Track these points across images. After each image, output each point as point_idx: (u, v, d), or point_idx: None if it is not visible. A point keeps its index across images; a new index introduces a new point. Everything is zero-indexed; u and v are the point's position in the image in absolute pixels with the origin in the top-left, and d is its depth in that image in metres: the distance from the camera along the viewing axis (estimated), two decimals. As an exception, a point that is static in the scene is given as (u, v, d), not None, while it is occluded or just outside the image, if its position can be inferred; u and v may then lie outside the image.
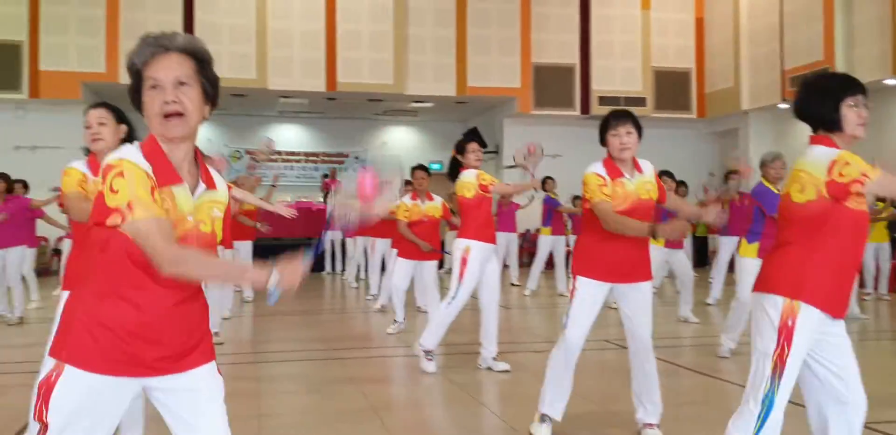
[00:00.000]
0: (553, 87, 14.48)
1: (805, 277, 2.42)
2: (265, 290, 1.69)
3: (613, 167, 3.45)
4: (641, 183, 3.49)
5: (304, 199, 14.38)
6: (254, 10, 13.18)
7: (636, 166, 3.51)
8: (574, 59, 14.64)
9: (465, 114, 16.28)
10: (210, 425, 1.84)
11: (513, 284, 10.89)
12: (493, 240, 5.19)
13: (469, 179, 5.08)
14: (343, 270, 12.28)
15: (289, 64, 13.33)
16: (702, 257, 13.27)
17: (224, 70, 12.87)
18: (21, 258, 7.49)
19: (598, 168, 3.45)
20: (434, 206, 6.57)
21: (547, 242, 9.88)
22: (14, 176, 7.88)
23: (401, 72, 13.74)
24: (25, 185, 8.34)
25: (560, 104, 14.58)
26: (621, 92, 14.65)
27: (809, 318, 2.40)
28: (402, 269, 6.56)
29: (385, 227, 9.19)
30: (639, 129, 3.47)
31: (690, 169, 14.20)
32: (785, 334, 2.39)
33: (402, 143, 17.04)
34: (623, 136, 3.41)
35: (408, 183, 8.45)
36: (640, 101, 14.60)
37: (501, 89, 14.26)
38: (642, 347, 3.56)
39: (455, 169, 5.23)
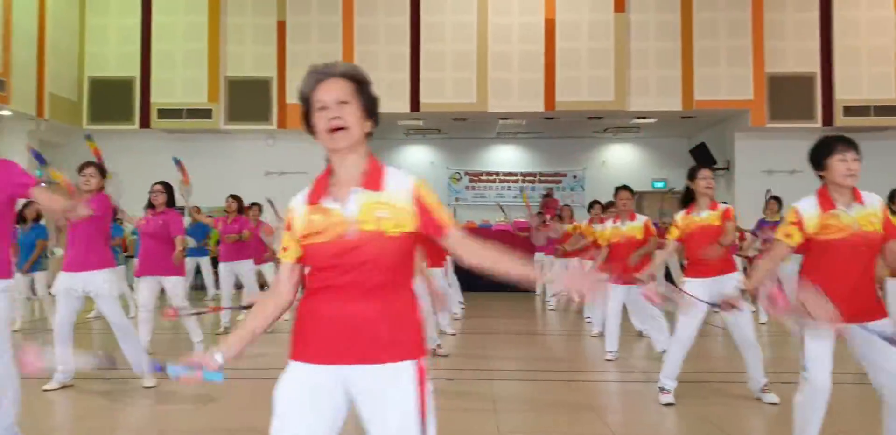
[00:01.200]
0: (790, 97, 13.39)
1: None
2: None
3: (827, 199, 3.24)
4: (864, 214, 3.19)
5: (522, 220, 14.43)
6: (475, 36, 13.57)
7: (856, 197, 3.22)
8: (814, 66, 13.46)
9: (692, 129, 15.54)
10: (378, 424, 1.92)
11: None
12: (708, 274, 4.81)
13: (676, 219, 5.02)
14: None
15: (508, 86, 13.53)
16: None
17: (447, 95, 13.40)
18: (249, 271, 8.20)
19: (805, 203, 3.30)
20: (635, 226, 6.32)
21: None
22: (263, 199, 8.66)
23: (622, 88, 13.43)
24: (261, 209, 9.35)
25: (798, 116, 13.45)
26: (871, 101, 13.24)
27: None
28: (613, 295, 6.31)
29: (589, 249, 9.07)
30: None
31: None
32: None
33: (622, 160, 16.63)
34: (851, 162, 3.20)
35: (611, 204, 8.19)
36: (893, 111, 13.12)
37: (732, 102, 13.43)
38: None
39: (687, 197, 5.05)
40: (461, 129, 15.44)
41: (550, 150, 16.55)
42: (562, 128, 15.34)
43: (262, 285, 8.98)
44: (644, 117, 14.32)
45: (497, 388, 5.38)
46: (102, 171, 5.12)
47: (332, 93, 1.94)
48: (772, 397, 4.76)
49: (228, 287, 8.08)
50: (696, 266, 4.88)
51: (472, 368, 6.17)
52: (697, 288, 4.72)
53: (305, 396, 1.93)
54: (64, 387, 5.09)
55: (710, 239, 4.81)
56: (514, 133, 16.07)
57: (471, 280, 11.80)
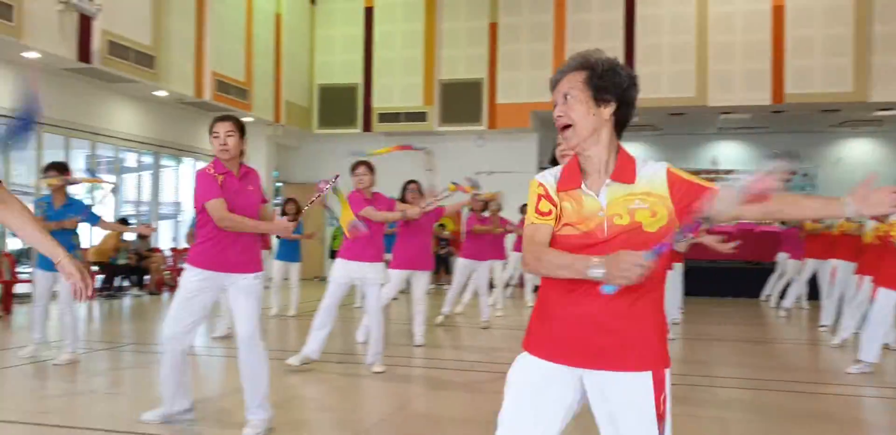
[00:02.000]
0: None
1: None
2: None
3: None
4: None
5: (746, 221, 13.53)
6: (694, 27, 12.94)
7: None
8: None
9: (947, 121, 13.78)
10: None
11: None
12: None
13: None
14: (782, 296, 10.88)
15: (730, 78, 12.76)
16: None
17: (663, 90, 12.90)
18: (488, 271, 8.39)
19: None
20: None
21: None
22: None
23: (861, 77, 12.18)
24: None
25: None
26: None
27: None
28: (885, 299, 5.63)
29: (847, 246, 8.09)
30: None
31: None
32: None
33: (861, 157, 15.11)
34: None
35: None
36: None
37: None
38: None
39: None
40: (678, 125, 14.81)
41: (778, 146, 15.37)
42: (791, 122, 14.21)
43: (490, 283, 9.19)
44: (888, 109, 12.89)
45: (723, 395, 5.05)
46: (372, 169, 5.48)
47: (558, 92, 1.91)
48: None
49: (461, 281, 8.35)
50: None
51: (696, 373, 5.83)
52: None
53: (534, 390, 1.89)
54: (299, 370, 5.44)
55: None
56: (737, 128, 15.14)
57: (691, 285, 11.27)
